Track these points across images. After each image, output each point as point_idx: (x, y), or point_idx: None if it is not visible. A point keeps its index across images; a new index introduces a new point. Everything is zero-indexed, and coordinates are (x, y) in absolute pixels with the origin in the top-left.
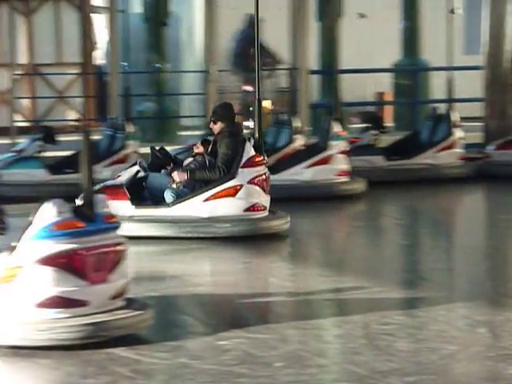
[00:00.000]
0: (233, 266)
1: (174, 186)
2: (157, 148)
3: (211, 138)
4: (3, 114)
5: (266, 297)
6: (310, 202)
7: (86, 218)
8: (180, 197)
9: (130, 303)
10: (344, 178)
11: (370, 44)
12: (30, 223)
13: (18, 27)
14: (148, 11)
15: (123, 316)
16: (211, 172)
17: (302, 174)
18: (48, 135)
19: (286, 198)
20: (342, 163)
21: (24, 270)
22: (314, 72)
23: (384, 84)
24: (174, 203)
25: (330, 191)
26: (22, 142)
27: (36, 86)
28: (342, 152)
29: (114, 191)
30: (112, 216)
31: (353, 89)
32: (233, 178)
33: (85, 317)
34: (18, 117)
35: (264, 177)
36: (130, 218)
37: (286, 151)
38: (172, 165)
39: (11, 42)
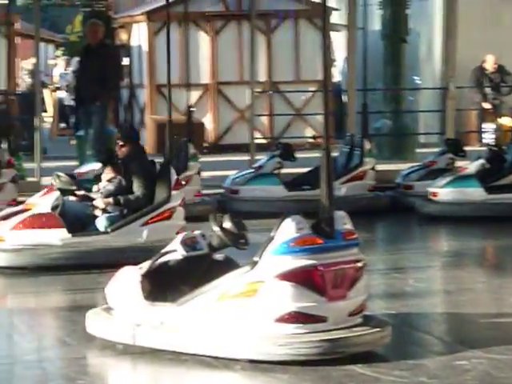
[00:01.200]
0: (470, 285)
1: (99, 212)
2: (61, 174)
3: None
4: (244, 131)
5: (505, 317)
6: None
7: (325, 234)
8: (114, 223)
9: (368, 320)
10: None
11: None
12: (272, 239)
13: (258, 45)
14: (387, 28)
15: (361, 333)
16: (134, 195)
17: None
18: (286, 152)
19: None
20: None
21: (265, 285)
22: None
23: None
24: (112, 229)
25: None
26: (261, 158)
27: (274, 103)
28: None
29: (44, 219)
30: (352, 233)
31: None
32: (168, 201)
33: (323, 333)
34: (257, 134)
35: (184, 199)
36: (66, 246)
37: None
38: (81, 191)
39: (252, 60)
